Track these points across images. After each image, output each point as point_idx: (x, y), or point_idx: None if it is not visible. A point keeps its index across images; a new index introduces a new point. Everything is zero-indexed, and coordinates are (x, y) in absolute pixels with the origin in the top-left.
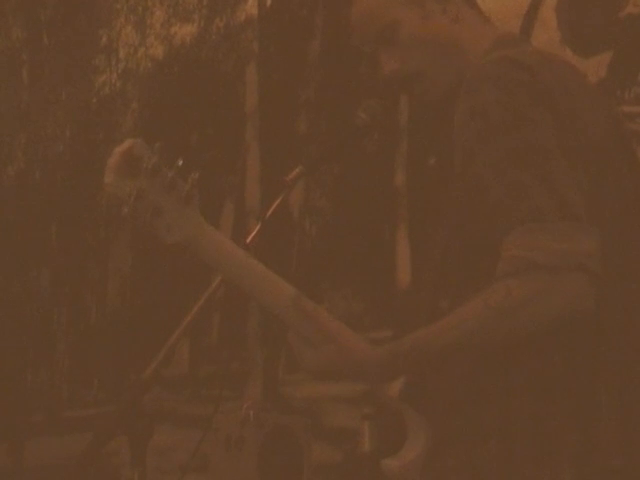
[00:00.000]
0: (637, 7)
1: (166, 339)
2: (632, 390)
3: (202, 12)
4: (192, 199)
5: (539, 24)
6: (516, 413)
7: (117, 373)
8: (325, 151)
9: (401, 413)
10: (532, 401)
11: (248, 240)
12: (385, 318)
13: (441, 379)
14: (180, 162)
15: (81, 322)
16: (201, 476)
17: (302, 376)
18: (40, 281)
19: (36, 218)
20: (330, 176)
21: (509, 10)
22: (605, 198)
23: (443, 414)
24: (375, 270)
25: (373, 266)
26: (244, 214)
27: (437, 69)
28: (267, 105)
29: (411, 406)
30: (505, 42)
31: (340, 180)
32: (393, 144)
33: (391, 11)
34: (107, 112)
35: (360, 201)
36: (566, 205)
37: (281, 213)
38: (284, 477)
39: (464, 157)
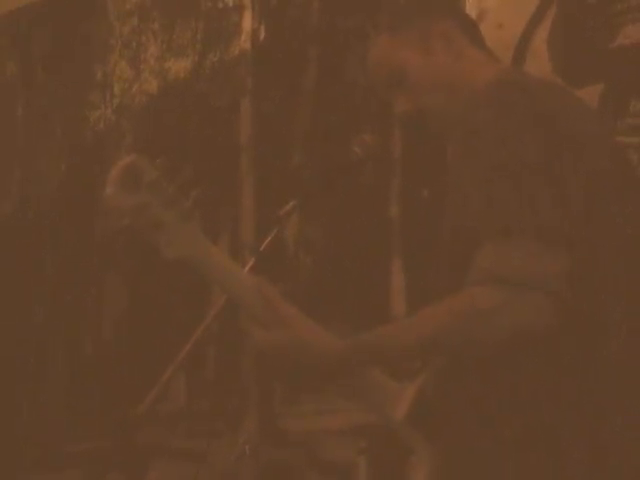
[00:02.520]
0: (628, 39)
1: (161, 374)
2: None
3: (196, 47)
4: (192, 216)
5: (531, 56)
6: (528, 428)
7: (113, 408)
8: (320, 184)
9: (406, 438)
10: (539, 415)
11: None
12: None
13: (449, 401)
14: (180, 178)
15: (76, 356)
16: None
17: (298, 409)
18: (35, 317)
19: (31, 253)
20: (324, 208)
21: (501, 42)
22: (601, 223)
23: (453, 436)
24: (370, 301)
25: (368, 297)
26: (239, 247)
27: (443, 103)
28: (261, 138)
29: (418, 430)
30: (507, 71)
31: (334, 212)
32: (387, 176)
33: (398, 55)
34: (102, 147)
35: (355, 233)
36: (542, 225)
37: (276, 245)
38: None
39: (456, 170)
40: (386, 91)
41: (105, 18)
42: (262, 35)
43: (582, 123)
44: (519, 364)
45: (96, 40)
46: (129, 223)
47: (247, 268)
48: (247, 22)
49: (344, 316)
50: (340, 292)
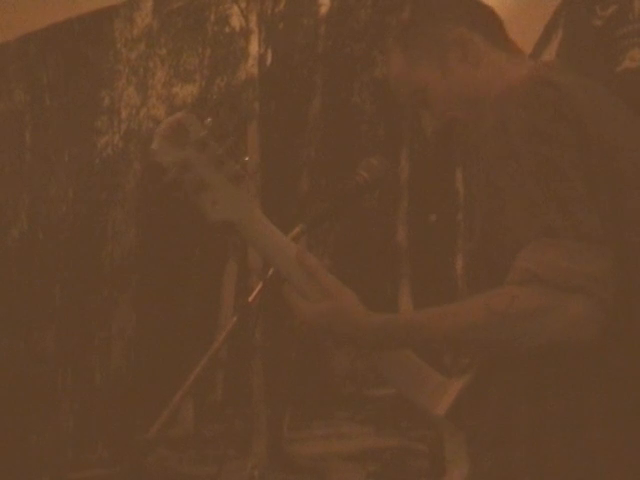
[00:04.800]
0: (634, 62)
1: (170, 399)
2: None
3: (203, 72)
4: (242, 180)
5: None
6: (547, 420)
7: (122, 433)
8: (326, 209)
9: (445, 435)
10: (562, 409)
11: (251, 298)
12: None
13: (484, 406)
14: (231, 140)
15: (85, 383)
16: None
17: (307, 434)
18: (44, 342)
19: (40, 279)
20: (332, 233)
21: None
22: (628, 224)
23: (480, 423)
24: None
25: None
26: (247, 272)
27: (469, 116)
28: (268, 163)
29: (457, 425)
30: (539, 68)
31: (341, 237)
32: (394, 201)
33: (416, 75)
34: (109, 173)
35: (362, 257)
36: (579, 225)
37: None
38: None
39: (487, 172)
40: (413, 109)
41: (112, 44)
42: (269, 60)
43: (612, 119)
44: (554, 371)
45: (103, 66)
46: (172, 178)
47: (254, 293)
48: (254, 47)
49: None
50: None
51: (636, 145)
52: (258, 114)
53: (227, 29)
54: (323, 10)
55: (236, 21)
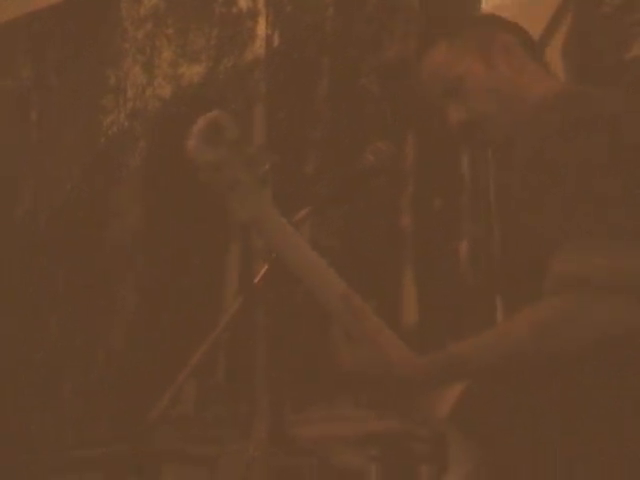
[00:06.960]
0: None
1: (173, 379)
2: None
3: (210, 52)
4: (267, 181)
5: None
6: (548, 416)
7: (124, 413)
8: (333, 192)
9: (445, 436)
10: (563, 405)
11: (256, 281)
12: None
13: (495, 403)
14: (261, 143)
15: (88, 362)
16: None
17: (309, 416)
18: (47, 322)
19: (44, 258)
20: (337, 216)
21: None
22: None
23: (494, 439)
24: (381, 312)
25: (379, 308)
26: (251, 255)
27: (497, 114)
28: (275, 145)
29: (460, 429)
30: (570, 84)
31: (347, 220)
32: (399, 186)
33: (459, 63)
34: (115, 151)
35: (367, 241)
36: (615, 224)
37: None
38: None
39: (522, 177)
40: (439, 100)
41: (119, 23)
42: (276, 41)
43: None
44: (587, 368)
45: (110, 45)
46: (205, 178)
47: (260, 275)
48: (261, 28)
49: None
50: None
51: None
52: (265, 95)
53: (234, 10)
54: None
55: (243, 2)
